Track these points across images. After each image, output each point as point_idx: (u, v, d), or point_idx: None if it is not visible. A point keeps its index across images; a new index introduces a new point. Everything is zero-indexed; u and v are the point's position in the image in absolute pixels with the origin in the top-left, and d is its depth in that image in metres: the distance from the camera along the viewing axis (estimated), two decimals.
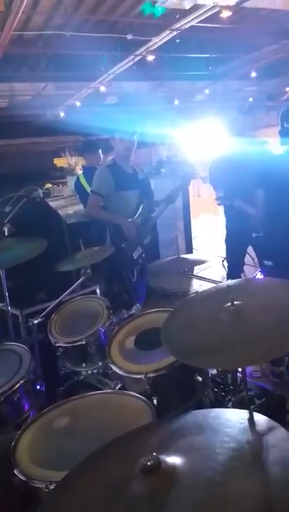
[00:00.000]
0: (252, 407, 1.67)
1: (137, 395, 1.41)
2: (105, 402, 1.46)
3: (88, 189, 3.55)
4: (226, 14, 4.20)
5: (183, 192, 5.34)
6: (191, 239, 5.59)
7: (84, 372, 1.94)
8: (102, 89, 6.72)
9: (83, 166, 4.71)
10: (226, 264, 5.39)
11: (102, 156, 3.76)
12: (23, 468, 1.19)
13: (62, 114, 7.94)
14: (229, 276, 3.64)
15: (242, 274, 3.42)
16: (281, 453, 0.85)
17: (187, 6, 3.72)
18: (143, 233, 2.92)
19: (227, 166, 3.14)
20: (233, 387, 1.77)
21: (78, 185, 3.78)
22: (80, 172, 4.00)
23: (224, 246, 3.36)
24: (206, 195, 11.48)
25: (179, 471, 0.83)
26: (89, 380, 1.89)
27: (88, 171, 3.69)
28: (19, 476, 1.17)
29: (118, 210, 2.85)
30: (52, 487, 1.09)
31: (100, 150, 3.75)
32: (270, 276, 2.43)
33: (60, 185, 7.67)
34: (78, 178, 3.82)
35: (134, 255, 2.83)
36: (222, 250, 5.65)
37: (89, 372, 1.93)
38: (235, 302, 1.20)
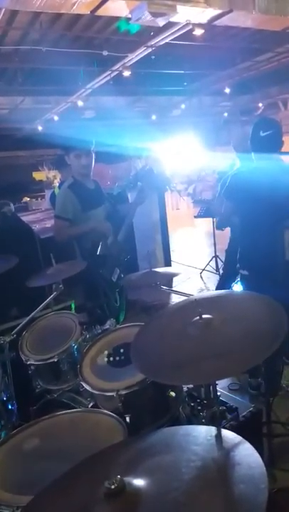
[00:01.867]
0: (223, 421, 1.66)
1: (109, 413, 1.39)
2: (77, 421, 1.42)
3: None
4: (198, 32, 4.31)
5: (160, 205, 5.37)
6: (169, 252, 5.61)
7: (57, 391, 1.90)
8: (80, 103, 6.76)
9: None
10: (204, 275, 5.46)
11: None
12: None
13: (40, 128, 7.94)
14: (221, 285, 3.69)
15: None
16: (247, 470, 0.84)
17: (161, 23, 3.79)
18: (120, 250, 2.77)
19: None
20: (206, 401, 1.76)
21: (53, 199, 3.73)
22: (55, 188, 3.93)
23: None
24: (184, 208, 11.64)
25: (143, 494, 0.82)
26: (62, 398, 1.84)
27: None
28: None
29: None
30: None
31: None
32: (247, 285, 2.47)
33: (39, 199, 7.62)
34: (53, 192, 3.79)
35: (113, 278, 2.68)
36: (200, 263, 5.72)
37: (62, 390, 1.88)
38: (203, 316, 1.19)
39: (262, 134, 2.33)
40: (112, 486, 0.80)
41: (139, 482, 0.84)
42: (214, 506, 0.77)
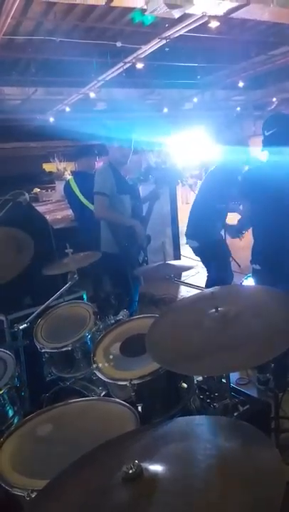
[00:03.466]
0: (235, 413, 1.67)
1: (122, 401, 1.41)
2: (90, 409, 1.45)
3: (78, 194, 3.54)
4: (214, 24, 4.27)
5: (171, 198, 5.37)
6: (179, 245, 5.61)
7: (70, 379, 1.93)
8: (92, 95, 6.74)
9: (72, 171, 4.67)
10: None
11: (96, 162, 3.73)
12: (4, 476, 1.18)
13: (51, 119, 7.94)
14: None
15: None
16: (262, 460, 0.86)
17: (176, 15, 3.76)
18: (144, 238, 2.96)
19: (219, 172, 3.37)
20: (218, 394, 1.77)
21: (68, 189, 3.72)
22: (70, 178, 3.93)
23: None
24: None
25: (160, 479, 0.83)
26: (74, 386, 1.87)
27: (79, 176, 3.67)
28: (1, 483, 1.15)
29: (119, 213, 2.87)
30: (34, 495, 1.08)
31: (96, 155, 3.72)
32: (259, 280, 2.49)
33: (49, 190, 7.63)
34: (68, 182, 3.76)
35: (139, 259, 2.88)
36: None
37: (75, 378, 1.91)
38: (219, 308, 1.20)
39: (266, 133, 2.35)
40: (130, 471, 0.82)
41: (156, 468, 0.86)
42: (230, 494, 0.79)
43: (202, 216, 3.38)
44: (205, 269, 3.67)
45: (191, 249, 3.61)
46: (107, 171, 2.88)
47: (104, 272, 3.10)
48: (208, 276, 3.63)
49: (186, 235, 3.57)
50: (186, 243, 3.62)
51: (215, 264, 3.46)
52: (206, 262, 3.58)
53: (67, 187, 3.72)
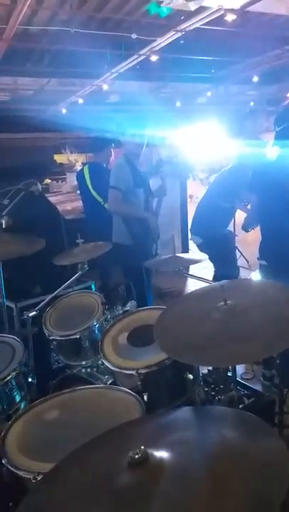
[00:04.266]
0: (241, 406, 1.68)
1: (128, 390, 1.43)
2: (96, 397, 1.47)
3: (90, 185, 3.56)
4: (230, 17, 4.20)
5: (181, 192, 5.35)
6: (187, 239, 5.61)
7: (77, 367, 1.95)
8: (105, 87, 6.70)
9: (85, 163, 4.64)
10: None
11: (112, 153, 3.72)
12: (11, 458, 1.20)
13: (64, 111, 7.93)
14: None
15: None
16: (268, 451, 0.86)
17: (192, 7, 3.72)
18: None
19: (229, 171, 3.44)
20: (223, 386, 1.78)
21: (80, 178, 3.72)
22: (85, 166, 3.89)
23: None
24: None
25: (166, 465, 0.84)
26: (81, 374, 1.90)
27: (93, 168, 3.67)
28: (7, 466, 1.17)
29: (132, 204, 2.91)
30: (40, 478, 1.10)
31: (112, 147, 3.70)
32: (266, 275, 2.49)
33: (60, 181, 7.65)
34: (82, 171, 3.74)
35: (152, 251, 2.94)
36: None
37: (81, 366, 1.93)
38: (228, 301, 1.21)
39: (277, 128, 2.35)
40: (136, 456, 0.83)
41: (161, 454, 0.87)
42: (236, 482, 0.79)
43: (206, 213, 3.40)
44: (212, 264, 3.68)
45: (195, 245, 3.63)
46: (124, 166, 2.91)
47: (115, 262, 3.14)
48: (215, 271, 3.64)
49: (191, 230, 3.60)
50: (191, 239, 3.63)
51: (220, 259, 3.47)
52: (211, 257, 3.58)
53: (80, 176, 3.71)
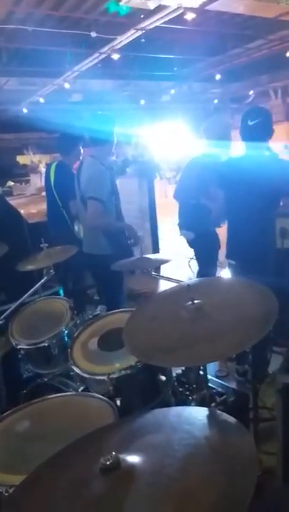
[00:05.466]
0: (213, 404, 1.70)
1: (100, 396, 1.41)
2: (68, 404, 1.44)
3: (53, 185, 3.40)
4: (190, 16, 4.25)
5: (149, 192, 5.35)
6: (157, 239, 5.61)
7: (48, 375, 1.91)
8: (67, 86, 6.63)
9: (53, 161, 4.37)
10: (192, 264, 5.48)
11: (82, 151, 3.45)
12: None
13: (25, 110, 7.77)
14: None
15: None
16: (237, 448, 0.87)
17: (152, 6, 3.73)
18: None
19: (193, 167, 3.28)
20: (196, 385, 1.80)
21: (47, 177, 3.54)
22: (52, 164, 3.63)
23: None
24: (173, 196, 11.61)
25: (138, 470, 0.84)
26: (52, 382, 1.86)
27: (60, 169, 3.45)
28: None
29: (110, 214, 2.70)
30: (12, 491, 1.07)
31: (81, 146, 3.43)
32: (235, 274, 2.49)
33: (23, 184, 7.48)
34: (50, 169, 3.53)
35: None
36: (188, 251, 5.75)
37: (52, 374, 1.89)
38: (195, 301, 1.21)
39: (250, 122, 2.34)
40: (108, 462, 0.82)
41: (133, 459, 0.86)
42: (207, 482, 0.80)
43: (188, 209, 3.33)
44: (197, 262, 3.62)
45: (186, 241, 3.48)
46: (104, 173, 2.65)
47: (89, 270, 3.02)
48: (198, 269, 3.57)
49: (180, 225, 3.45)
50: (181, 234, 3.48)
51: (206, 257, 3.41)
52: (198, 254, 3.53)
53: (47, 174, 3.54)
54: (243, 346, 1.12)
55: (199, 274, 3.49)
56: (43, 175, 3.80)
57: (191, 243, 3.46)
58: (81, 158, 3.34)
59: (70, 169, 3.37)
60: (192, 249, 3.56)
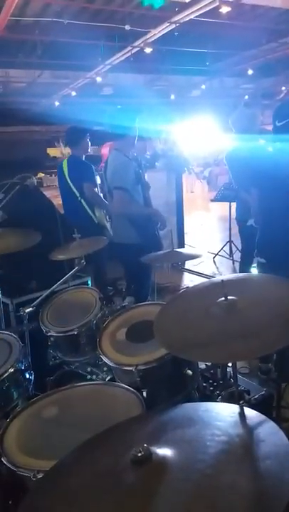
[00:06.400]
0: (241, 402, 1.68)
1: (127, 386, 1.41)
2: (95, 393, 1.45)
3: (68, 178, 3.47)
4: (225, 10, 4.19)
5: (177, 186, 5.33)
6: (183, 234, 5.59)
7: (74, 363, 1.94)
8: (99, 79, 6.66)
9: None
10: (217, 260, 5.45)
11: (89, 144, 3.57)
12: (10, 456, 1.19)
13: (57, 103, 7.86)
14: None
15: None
16: (271, 447, 0.85)
17: None
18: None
19: (235, 158, 3.26)
20: (222, 382, 1.78)
21: (60, 171, 3.62)
22: (64, 160, 3.74)
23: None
24: (199, 192, 11.54)
25: (169, 463, 0.83)
26: (79, 370, 1.88)
27: (73, 161, 3.54)
28: (6, 464, 1.16)
29: (136, 202, 2.81)
30: (39, 476, 1.09)
31: (88, 137, 3.53)
32: (265, 273, 2.45)
33: (53, 175, 7.58)
34: (62, 163, 3.62)
35: (162, 246, 2.89)
36: (213, 247, 5.71)
37: (79, 362, 1.92)
38: (228, 297, 1.20)
39: (277, 123, 2.28)
40: (139, 454, 0.82)
41: (164, 452, 0.86)
42: (240, 480, 0.79)
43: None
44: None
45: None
46: (129, 163, 2.76)
47: (119, 260, 3.07)
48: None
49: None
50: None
51: None
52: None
53: (60, 169, 3.61)
54: (278, 345, 1.09)
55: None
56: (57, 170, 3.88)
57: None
58: (106, 153, 3.43)
59: (81, 160, 3.44)
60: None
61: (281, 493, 0.73)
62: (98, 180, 3.58)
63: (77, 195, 3.42)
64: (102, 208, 3.45)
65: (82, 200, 3.40)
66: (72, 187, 3.44)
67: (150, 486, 0.80)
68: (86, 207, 3.41)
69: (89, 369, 1.88)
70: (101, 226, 3.45)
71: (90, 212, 3.42)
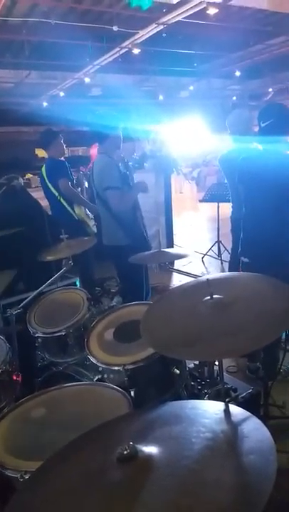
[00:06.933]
0: (227, 399, 1.70)
1: (115, 386, 1.42)
2: (83, 393, 1.46)
3: (47, 181, 3.50)
4: (212, 11, 4.22)
5: (166, 187, 5.35)
6: (172, 234, 5.61)
7: (63, 364, 1.93)
8: (87, 80, 6.65)
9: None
10: (205, 260, 5.48)
11: (64, 146, 3.59)
12: None
13: (45, 104, 7.82)
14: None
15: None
16: (255, 443, 0.87)
17: (174, 0, 3.71)
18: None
19: (226, 159, 3.31)
20: (209, 380, 1.80)
21: (40, 175, 3.66)
22: (43, 166, 3.76)
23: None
24: (188, 192, 11.59)
25: (155, 460, 0.84)
26: (67, 371, 1.88)
27: (48, 163, 3.56)
28: None
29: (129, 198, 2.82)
30: (27, 477, 1.08)
31: (61, 138, 3.55)
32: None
33: None
34: (41, 168, 3.66)
35: (150, 246, 2.92)
36: (202, 247, 5.74)
37: (67, 363, 1.92)
38: (214, 296, 1.21)
39: (262, 124, 2.31)
40: (125, 452, 0.83)
41: (150, 449, 0.87)
42: (225, 475, 0.80)
43: None
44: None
45: None
46: (112, 163, 2.77)
47: (111, 262, 3.06)
48: None
49: None
50: None
51: None
52: None
53: (40, 173, 3.66)
54: (263, 342, 1.11)
55: None
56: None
57: None
58: (93, 155, 3.45)
59: (55, 160, 3.48)
60: None
61: (264, 487, 0.75)
62: (86, 184, 3.59)
63: (56, 194, 3.47)
64: (80, 203, 3.51)
65: (61, 199, 3.45)
66: (51, 187, 3.49)
67: (136, 483, 0.80)
68: (65, 204, 3.47)
69: (77, 369, 1.88)
70: (81, 222, 3.50)
71: (70, 209, 3.47)
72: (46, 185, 3.55)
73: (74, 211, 3.49)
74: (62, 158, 3.59)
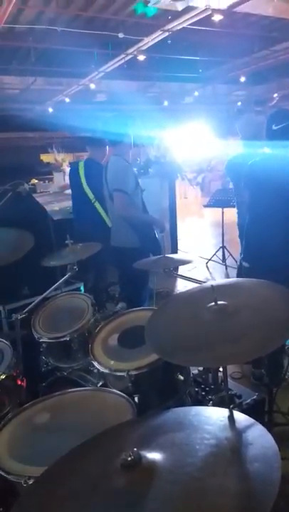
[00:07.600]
0: (231, 406, 1.69)
1: (119, 392, 1.42)
2: (87, 399, 1.46)
3: (84, 181, 3.46)
4: (217, 18, 4.25)
5: (170, 193, 5.36)
6: (176, 239, 5.62)
7: (67, 369, 1.93)
8: (92, 86, 6.71)
9: (73, 162, 4.46)
10: (210, 265, 5.47)
11: (107, 152, 3.51)
12: (1, 463, 1.18)
13: (50, 110, 7.89)
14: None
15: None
16: (259, 450, 0.87)
17: (179, 7, 3.74)
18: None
19: (233, 164, 3.33)
20: (213, 386, 1.79)
21: (74, 174, 3.59)
22: (80, 162, 3.71)
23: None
24: (193, 198, 11.60)
25: (159, 467, 0.84)
26: (71, 376, 1.88)
27: (90, 164, 3.52)
28: None
29: (137, 206, 2.85)
30: (30, 482, 1.08)
31: (107, 147, 3.46)
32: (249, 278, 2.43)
33: (46, 182, 7.57)
34: (77, 166, 3.59)
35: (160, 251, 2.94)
36: (206, 252, 5.73)
37: (72, 368, 1.92)
38: (218, 302, 1.21)
39: (274, 127, 2.30)
40: (129, 458, 0.83)
41: (154, 456, 0.86)
42: (229, 482, 0.79)
43: None
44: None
45: None
46: (128, 168, 2.82)
47: (116, 265, 3.07)
48: None
49: None
50: None
51: None
52: None
53: (74, 172, 3.58)
54: (267, 348, 1.11)
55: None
56: (68, 173, 3.83)
57: None
58: (105, 158, 3.42)
59: (99, 165, 3.40)
60: None
61: (268, 494, 0.74)
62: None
63: (92, 199, 3.38)
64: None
65: (96, 203, 3.37)
66: (89, 191, 3.41)
67: (140, 490, 0.80)
68: (100, 210, 3.36)
69: (81, 375, 1.88)
70: None
71: (104, 215, 3.35)
72: (80, 186, 3.47)
73: (108, 218, 3.33)
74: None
